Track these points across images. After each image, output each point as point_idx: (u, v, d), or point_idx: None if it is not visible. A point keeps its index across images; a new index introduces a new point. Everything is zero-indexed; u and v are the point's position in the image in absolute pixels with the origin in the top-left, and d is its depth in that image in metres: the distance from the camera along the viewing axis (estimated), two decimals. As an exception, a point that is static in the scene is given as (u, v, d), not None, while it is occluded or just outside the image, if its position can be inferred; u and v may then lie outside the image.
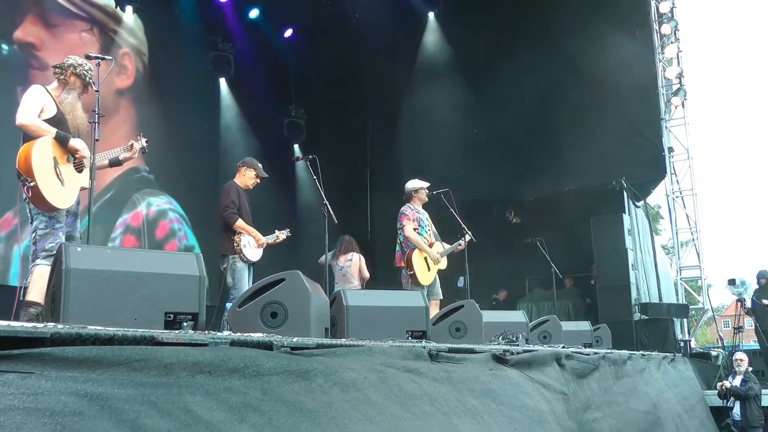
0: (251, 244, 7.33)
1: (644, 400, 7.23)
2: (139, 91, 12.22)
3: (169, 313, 3.44)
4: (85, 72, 5.47)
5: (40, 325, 2.17)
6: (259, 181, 7.69)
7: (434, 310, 7.04)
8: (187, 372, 2.14)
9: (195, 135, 12.78)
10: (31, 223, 5.17)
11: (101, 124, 5.20)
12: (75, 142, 5.26)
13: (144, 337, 2.28)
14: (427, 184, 8.54)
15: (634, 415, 6.70)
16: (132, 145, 5.92)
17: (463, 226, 8.57)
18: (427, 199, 8.51)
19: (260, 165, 7.72)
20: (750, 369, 11.02)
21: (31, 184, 4.91)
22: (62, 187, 5.14)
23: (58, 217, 5.20)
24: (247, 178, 7.60)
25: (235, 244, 7.15)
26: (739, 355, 11.19)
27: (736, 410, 10.65)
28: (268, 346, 2.68)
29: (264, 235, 7.56)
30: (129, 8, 12.14)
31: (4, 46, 9.79)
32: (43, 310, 4.39)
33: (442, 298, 8.35)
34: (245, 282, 7.16)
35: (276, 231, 7.89)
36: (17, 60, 9.87)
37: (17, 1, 10.19)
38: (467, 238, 8.55)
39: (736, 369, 10.99)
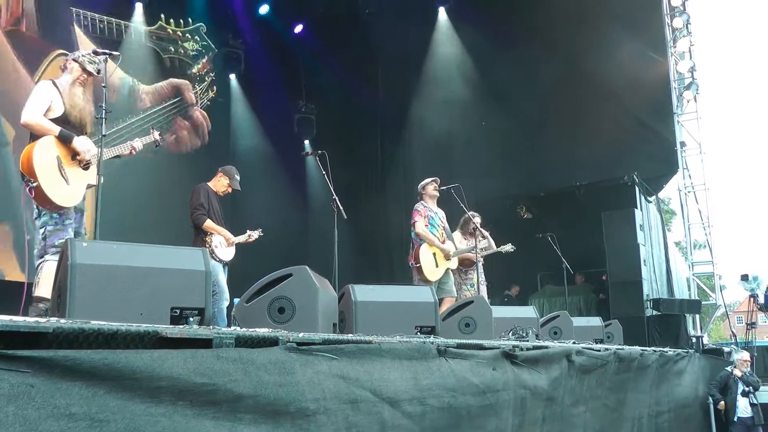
0: (222, 244, 7.50)
1: (618, 397, 7.11)
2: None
3: (176, 308, 3.43)
4: (83, 58, 5.39)
5: (43, 319, 2.15)
6: (230, 190, 7.84)
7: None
8: (171, 397, 2.12)
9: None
10: (39, 218, 5.14)
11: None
12: (77, 143, 5.18)
13: (147, 332, 2.25)
14: (433, 178, 8.50)
15: (604, 411, 6.61)
16: (132, 146, 5.82)
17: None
18: (437, 194, 8.43)
19: (237, 177, 7.83)
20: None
21: (34, 184, 4.88)
22: (67, 185, 5.09)
23: (68, 213, 5.17)
24: (219, 185, 7.77)
25: (207, 245, 7.26)
26: (744, 356, 10.92)
27: (745, 407, 10.43)
28: (273, 342, 2.66)
29: (236, 235, 7.74)
30: (139, 5, 12.17)
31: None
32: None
33: (455, 296, 8.26)
34: (219, 279, 7.29)
35: (248, 231, 8.01)
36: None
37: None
38: (495, 247, 9.10)
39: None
